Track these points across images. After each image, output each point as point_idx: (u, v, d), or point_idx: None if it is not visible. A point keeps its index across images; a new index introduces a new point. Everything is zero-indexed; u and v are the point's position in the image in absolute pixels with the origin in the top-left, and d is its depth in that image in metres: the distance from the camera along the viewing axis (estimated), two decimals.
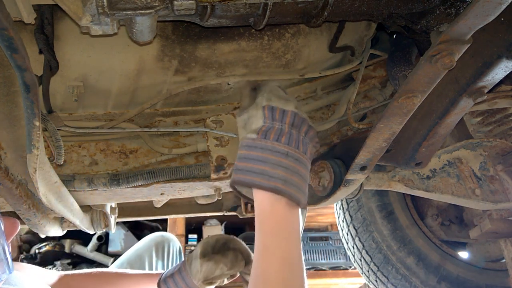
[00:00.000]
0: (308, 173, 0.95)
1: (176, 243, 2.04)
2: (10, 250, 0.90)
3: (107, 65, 1.16)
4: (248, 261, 1.38)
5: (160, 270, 1.88)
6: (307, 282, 0.89)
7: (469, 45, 0.80)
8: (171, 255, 1.96)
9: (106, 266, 3.56)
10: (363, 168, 1.13)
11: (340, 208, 2.05)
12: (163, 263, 1.92)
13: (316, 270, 3.68)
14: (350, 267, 3.65)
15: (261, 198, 0.91)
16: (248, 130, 0.96)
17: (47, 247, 3.60)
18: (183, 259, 2.06)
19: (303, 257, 0.91)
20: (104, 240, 3.67)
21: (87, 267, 3.60)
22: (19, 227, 0.98)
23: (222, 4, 0.92)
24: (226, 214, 1.93)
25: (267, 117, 0.94)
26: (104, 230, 1.48)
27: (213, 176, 1.20)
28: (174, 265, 1.97)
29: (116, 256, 3.60)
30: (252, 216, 1.13)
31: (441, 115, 1.08)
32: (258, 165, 0.90)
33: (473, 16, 0.73)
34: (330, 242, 3.81)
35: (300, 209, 0.93)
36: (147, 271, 1.83)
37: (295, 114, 0.94)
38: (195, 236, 3.76)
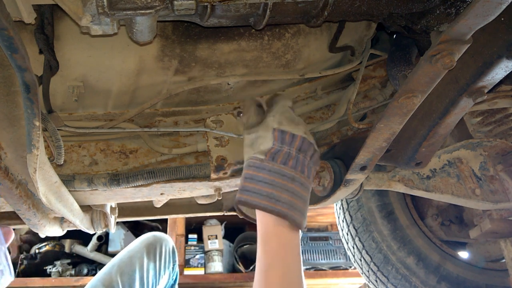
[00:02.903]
0: (309, 195, 0.98)
1: (169, 243, 2.02)
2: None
3: (107, 65, 1.16)
4: None
5: (151, 272, 1.87)
6: (306, 284, 0.91)
7: (469, 45, 0.80)
8: (163, 256, 1.95)
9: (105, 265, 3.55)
10: (363, 168, 1.13)
11: (340, 208, 2.05)
12: (155, 264, 1.90)
13: (316, 270, 3.68)
14: (350, 267, 3.64)
15: (266, 220, 0.93)
16: (255, 149, 0.98)
17: (47, 247, 3.60)
18: (176, 258, 2.04)
19: (303, 276, 0.93)
20: (104, 240, 3.67)
21: (87, 267, 3.60)
22: (13, 235, 0.98)
23: (222, 4, 0.92)
24: (226, 214, 1.93)
25: (277, 140, 0.96)
26: (104, 230, 1.48)
27: (213, 176, 1.20)
28: (166, 265, 1.96)
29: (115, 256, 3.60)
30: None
31: (441, 115, 1.08)
32: (266, 187, 0.91)
33: (473, 16, 0.73)
34: (330, 242, 3.81)
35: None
36: None
37: (304, 139, 0.96)
38: (195, 236, 3.76)
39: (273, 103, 1.05)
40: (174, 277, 2.03)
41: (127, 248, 1.94)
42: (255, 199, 0.91)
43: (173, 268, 2.01)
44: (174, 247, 2.05)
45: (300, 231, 0.95)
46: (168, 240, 2.02)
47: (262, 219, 0.94)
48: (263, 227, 0.94)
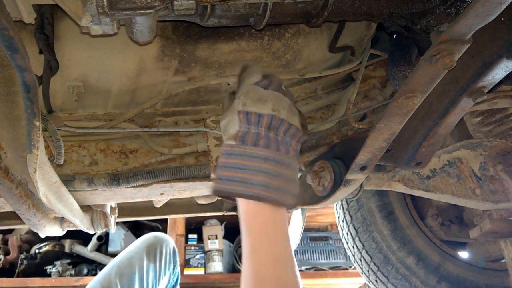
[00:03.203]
0: (294, 171, 0.95)
1: (169, 244, 2.00)
2: None
3: (107, 65, 1.16)
4: None
5: (151, 273, 1.86)
6: (301, 280, 0.89)
7: (469, 45, 0.80)
8: (163, 256, 1.93)
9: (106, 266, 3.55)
10: (363, 168, 1.13)
11: (340, 208, 2.05)
12: (155, 265, 1.89)
13: (316, 270, 3.68)
14: (350, 267, 3.64)
15: (245, 203, 0.92)
16: (227, 135, 0.96)
17: (47, 247, 3.60)
18: (177, 259, 2.04)
19: (293, 254, 0.91)
20: (104, 240, 3.66)
21: (87, 267, 3.60)
22: None
23: (222, 4, 0.92)
24: (226, 214, 1.93)
25: (243, 122, 0.93)
26: (104, 230, 1.48)
27: (213, 176, 1.20)
28: (167, 266, 1.95)
29: (116, 256, 3.59)
30: None
31: (441, 115, 1.08)
32: (238, 173, 0.90)
33: (473, 16, 0.73)
34: (330, 242, 3.81)
35: (300, 210, 0.93)
36: None
37: (272, 117, 0.93)
38: (195, 236, 3.76)
39: (240, 85, 1.01)
40: (175, 278, 2.03)
41: (127, 249, 1.93)
42: (229, 186, 0.90)
43: (173, 269, 2.01)
44: (175, 247, 2.04)
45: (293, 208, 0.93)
46: (169, 241, 2.01)
47: (241, 204, 0.92)
48: (244, 211, 0.92)
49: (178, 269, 2.04)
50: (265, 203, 0.89)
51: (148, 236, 1.98)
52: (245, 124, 0.94)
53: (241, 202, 0.93)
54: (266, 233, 0.90)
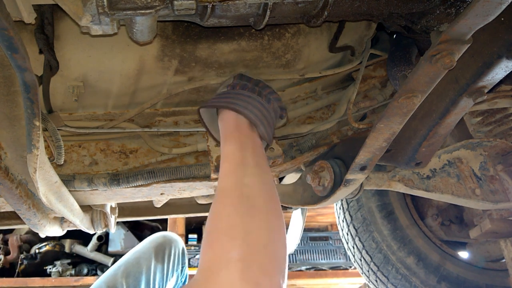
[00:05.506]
0: (271, 116, 1.09)
1: (179, 244, 1.97)
2: None
3: (107, 65, 1.16)
4: None
5: (158, 274, 1.84)
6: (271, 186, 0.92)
7: (469, 45, 0.80)
8: (172, 257, 1.91)
9: (106, 266, 3.56)
10: (363, 168, 1.13)
11: (340, 208, 2.05)
12: (163, 267, 1.87)
13: (316, 270, 3.68)
14: (350, 267, 3.65)
15: (226, 117, 1.05)
16: (219, 91, 1.17)
17: (47, 247, 3.60)
18: (185, 260, 2.02)
19: (266, 166, 0.96)
20: (104, 240, 3.67)
21: (87, 267, 3.61)
22: None
23: (222, 4, 0.92)
24: None
25: (236, 79, 1.17)
26: (104, 230, 1.48)
27: (213, 176, 1.20)
28: (175, 268, 1.93)
29: (116, 256, 3.60)
30: None
31: (441, 115, 1.08)
32: (225, 97, 1.09)
33: (473, 16, 0.73)
34: (330, 242, 3.81)
35: (300, 210, 0.96)
36: None
37: (259, 81, 1.15)
38: (195, 236, 3.76)
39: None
40: (183, 280, 2.00)
41: (135, 249, 1.91)
42: (215, 103, 1.07)
43: (182, 270, 1.98)
44: (184, 248, 2.00)
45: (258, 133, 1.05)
46: (178, 242, 1.98)
47: (223, 117, 1.05)
48: (225, 124, 1.04)
49: (186, 270, 2.02)
50: (243, 119, 1.03)
51: (157, 236, 1.95)
52: (237, 80, 1.16)
53: (222, 117, 1.06)
54: (243, 145, 0.98)
